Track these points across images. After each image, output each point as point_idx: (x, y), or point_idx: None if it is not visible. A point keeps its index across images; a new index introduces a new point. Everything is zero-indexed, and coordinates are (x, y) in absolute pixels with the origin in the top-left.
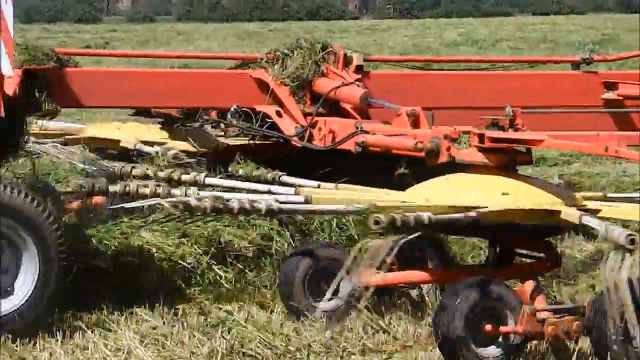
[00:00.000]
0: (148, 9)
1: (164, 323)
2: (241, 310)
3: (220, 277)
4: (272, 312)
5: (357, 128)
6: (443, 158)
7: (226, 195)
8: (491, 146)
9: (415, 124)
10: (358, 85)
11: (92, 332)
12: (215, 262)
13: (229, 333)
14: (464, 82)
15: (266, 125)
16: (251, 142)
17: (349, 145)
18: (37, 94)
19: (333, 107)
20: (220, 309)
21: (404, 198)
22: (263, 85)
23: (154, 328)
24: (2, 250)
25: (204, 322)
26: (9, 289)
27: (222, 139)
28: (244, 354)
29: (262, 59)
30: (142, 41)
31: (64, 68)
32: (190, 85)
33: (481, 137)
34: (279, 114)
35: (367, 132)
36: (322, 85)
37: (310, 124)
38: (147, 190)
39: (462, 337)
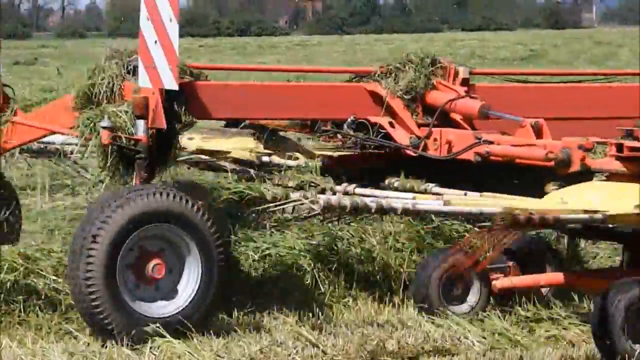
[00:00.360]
0: (77, 25)
1: (94, 340)
2: None
3: None
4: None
5: (478, 139)
6: (574, 167)
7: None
8: (629, 155)
9: (539, 134)
10: (474, 98)
11: None
12: None
13: (158, 349)
14: (564, 94)
15: (380, 136)
16: (354, 152)
17: (468, 155)
18: (176, 107)
19: (442, 119)
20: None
21: (541, 203)
22: (376, 98)
23: (87, 345)
24: (167, 254)
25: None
26: (173, 291)
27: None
28: None
29: (375, 73)
30: (72, 58)
31: (197, 81)
32: (311, 98)
33: (619, 146)
34: (391, 124)
35: (490, 143)
36: (436, 97)
37: (426, 134)
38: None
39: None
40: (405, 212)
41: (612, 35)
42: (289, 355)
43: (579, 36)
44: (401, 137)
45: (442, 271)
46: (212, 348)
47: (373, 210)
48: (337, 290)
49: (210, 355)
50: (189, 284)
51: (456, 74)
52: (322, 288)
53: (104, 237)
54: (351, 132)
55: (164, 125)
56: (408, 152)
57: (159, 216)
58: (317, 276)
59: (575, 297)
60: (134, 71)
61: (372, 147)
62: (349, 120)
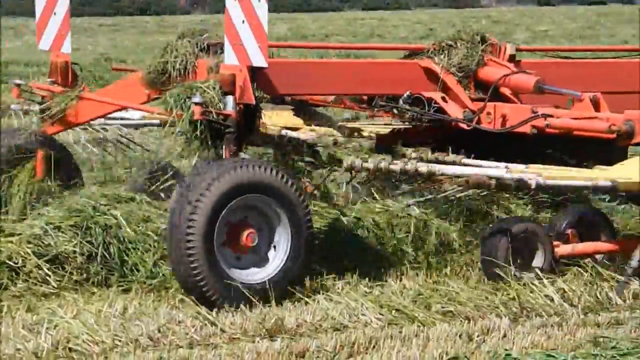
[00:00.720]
0: None
1: None
2: (68, 307)
3: (49, 275)
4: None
5: (535, 112)
6: (637, 139)
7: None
8: None
9: (596, 108)
10: (529, 73)
11: None
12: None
13: (55, 329)
14: (608, 68)
15: (433, 111)
16: (406, 127)
17: (524, 128)
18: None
19: (492, 93)
20: (47, 307)
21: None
22: (430, 74)
23: None
24: (259, 224)
25: (30, 319)
26: (264, 259)
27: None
28: (70, 349)
29: (428, 50)
30: None
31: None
32: (370, 74)
33: None
34: (444, 99)
35: (549, 116)
36: (488, 73)
37: (480, 108)
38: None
39: None
40: (539, 188)
41: (509, 14)
42: (187, 334)
43: (477, 15)
44: (454, 111)
45: (509, 239)
46: (110, 328)
47: (492, 187)
48: None
49: (108, 334)
50: (278, 253)
51: (503, 50)
52: None
53: (204, 207)
54: (407, 107)
55: (253, 101)
56: (461, 125)
57: (254, 187)
58: None
59: (471, 273)
60: (208, 49)
61: (426, 121)
62: (404, 95)
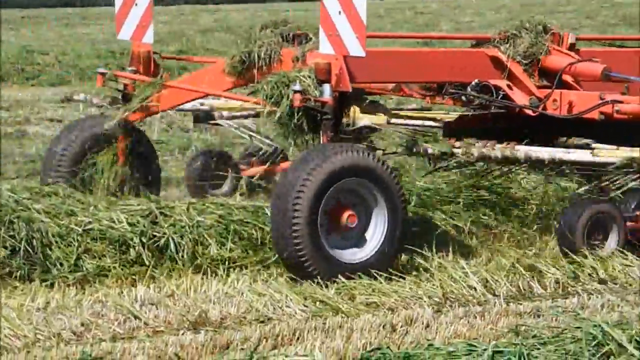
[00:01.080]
0: None
1: None
2: None
3: None
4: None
5: (604, 99)
6: None
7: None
8: None
9: None
10: (595, 61)
11: None
12: None
13: None
14: None
15: (500, 98)
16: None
17: (592, 115)
18: None
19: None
20: None
21: None
22: (496, 62)
23: None
24: (358, 206)
25: None
26: (362, 240)
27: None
28: None
29: (494, 39)
30: None
31: None
32: (442, 63)
33: None
34: (509, 87)
35: (619, 102)
36: (553, 61)
37: (546, 95)
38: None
39: None
40: (553, 162)
41: (434, 5)
42: (110, 327)
43: (401, 7)
44: (520, 98)
45: (586, 218)
46: (32, 322)
47: (521, 161)
48: (162, 262)
49: (30, 329)
50: (375, 234)
51: (565, 39)
52: (146, 261)
53: (308, 189)
54: (475, 94)
55: (350, 89)
56: (527, 112)
57: (354, 171)
58: (141, 250)
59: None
60: (292, 39)
61: (493, 108)
62: (473, 83)
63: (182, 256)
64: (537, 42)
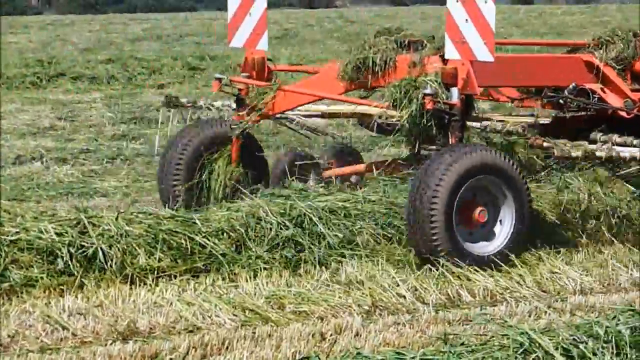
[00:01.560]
0: None
1: None
2: None
3: None
4: None
5: None
6: None
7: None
8: None
9: None
10: None
11: None
12: None
13: None
14: None
15: (594, 100)
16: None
17: None
18: None
19: None
20: None
21: None
22: (590, 67)
23: None
24: (487, 202)
25: None
26: (491, 234)
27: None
28: None
29: (588, 45)
30: None
31: None
32: (548, 67)
33: None
34: (603, 90)
35: None
36: None
37: None
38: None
39: None
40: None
41: (363, 14)
42: (38, 338)
43: (331, 15)
44: (614, 101)
45: None
46: None
47: (627, 160)
48: (90, 272)
49: None
50: (503, 229)
51: None
52: (74, 272)
53: (443, 190)
54: (572, 97)
55: (477, 91)
56: (621, 114)
57: (485, 170)
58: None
59: (325, 272)
60: (408, 46)
61: (589, 110)
62: (570, 87)
63: (111, 266)
64: (628, 47)
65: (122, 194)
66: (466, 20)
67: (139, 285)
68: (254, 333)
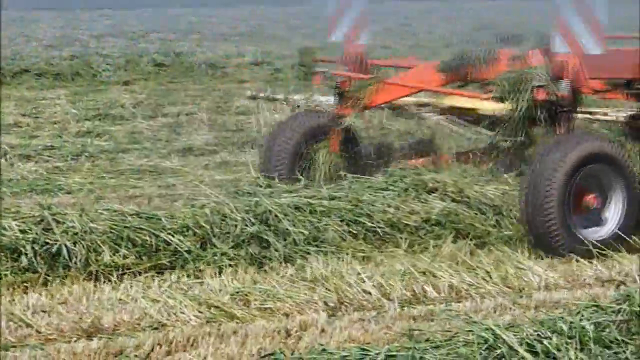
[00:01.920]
0: None
1: None
2: None
3: None
4: None
5: None
6: None
7: None
8: None
9: None
10: None
11: None
12: None
13: None
14: None
15: None
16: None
17: None
18: None
19: None
20: None
21: None
22: None
23: None
24: (597, 189)
25: None
26: (602, 219)
27: None
28: None
29: None
30: None
31: None
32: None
33: None
34: None
35: None
36: None
37: None
38: None
39: None
40: None
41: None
42: (1, 335)
43: (298, 12)
44: None
45: None
46: None
47: None
48: (54, 269)
49: None
50: (614, 216)
51: None
52: (38, 269)
53: (558, 178)
54: None
55: (587, 84)
56: None
57: (597, 158)
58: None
59: (290, 268)
60: (507, 39)
61: None
62: None
63: (75, 263)
64: None
65: (87, 190)
66: (575, 14)
67: (104, 282)
68: (219, 330)
